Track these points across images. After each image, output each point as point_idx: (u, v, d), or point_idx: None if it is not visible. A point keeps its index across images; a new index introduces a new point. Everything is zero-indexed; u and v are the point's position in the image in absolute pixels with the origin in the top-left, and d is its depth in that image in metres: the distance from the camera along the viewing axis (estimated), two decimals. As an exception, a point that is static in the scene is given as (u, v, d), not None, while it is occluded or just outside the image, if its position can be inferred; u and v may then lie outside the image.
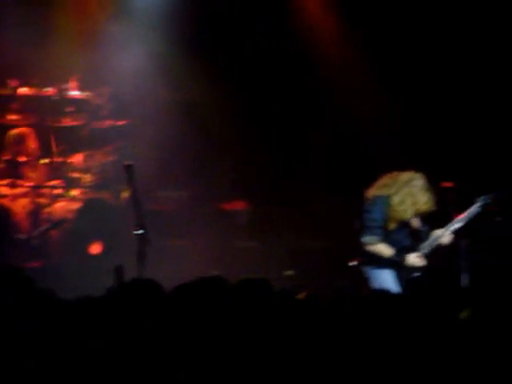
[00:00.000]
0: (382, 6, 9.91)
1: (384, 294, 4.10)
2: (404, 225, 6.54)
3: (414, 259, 6.44)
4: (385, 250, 6.42)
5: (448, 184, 6.78)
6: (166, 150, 9.77)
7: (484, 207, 6.58)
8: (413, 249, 6.50)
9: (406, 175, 6.49)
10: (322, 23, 10.24)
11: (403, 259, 6.42)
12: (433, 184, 6.53)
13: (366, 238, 6.44)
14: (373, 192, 6.50)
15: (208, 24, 10.09)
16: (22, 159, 9.60)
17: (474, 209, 6.55)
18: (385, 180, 6.51)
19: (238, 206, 10.16)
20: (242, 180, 10.23)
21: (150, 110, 9.97)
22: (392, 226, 6.48)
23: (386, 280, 6.38)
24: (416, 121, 9.87)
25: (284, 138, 10.48)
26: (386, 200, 6.42)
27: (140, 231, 6.31)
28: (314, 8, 10.26)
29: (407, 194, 6.39)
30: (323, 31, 10.27)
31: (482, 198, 6.57)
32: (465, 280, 6.83)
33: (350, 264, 6.76)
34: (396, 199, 6.40)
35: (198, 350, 3.25)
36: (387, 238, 6.44)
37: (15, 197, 9.43)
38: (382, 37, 9.89)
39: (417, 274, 6.44)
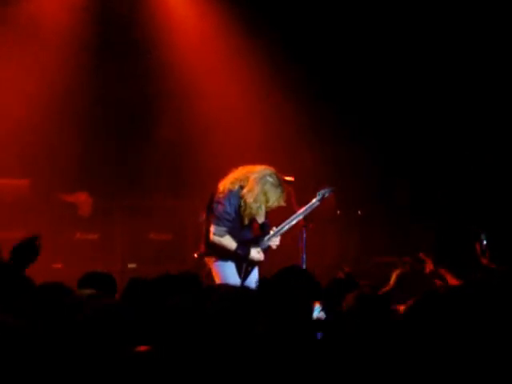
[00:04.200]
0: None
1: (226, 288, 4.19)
2: (252, 219, 6.63)
3: (256, 254, 6.57)
4: (230, 242, 6.49)
5: (289, 178, 6.88)
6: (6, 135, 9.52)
7: (322, 200, 6.78)
8: (255, 242, 6.61)
9: (257, 170, 6.52)
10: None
11: (248, 253, 6.52)
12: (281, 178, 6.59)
13: (214, 229, 6.47)
14: (225, 185, 6.51)
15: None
16: None
17: (313, 202, 6.73)
18: (236, 173, 6.54)
19: (81, 197, 9.97)
20: (85, 171, 10.08)
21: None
22: (246, 221, 6.56)
23: (228, 272, 6.46)
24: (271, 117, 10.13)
25: (128, 132, 10.44)
26: (237, 194, 6.47)
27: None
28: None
29: (260, 192, 6.43)
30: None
31: (321, 191, 6.77)
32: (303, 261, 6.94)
33: (196, 255, 6.78)
34: (250, 198, 6.43)
35: None
36: (237, 232, 6.52)
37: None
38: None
39: (256, 268, 6.57)
